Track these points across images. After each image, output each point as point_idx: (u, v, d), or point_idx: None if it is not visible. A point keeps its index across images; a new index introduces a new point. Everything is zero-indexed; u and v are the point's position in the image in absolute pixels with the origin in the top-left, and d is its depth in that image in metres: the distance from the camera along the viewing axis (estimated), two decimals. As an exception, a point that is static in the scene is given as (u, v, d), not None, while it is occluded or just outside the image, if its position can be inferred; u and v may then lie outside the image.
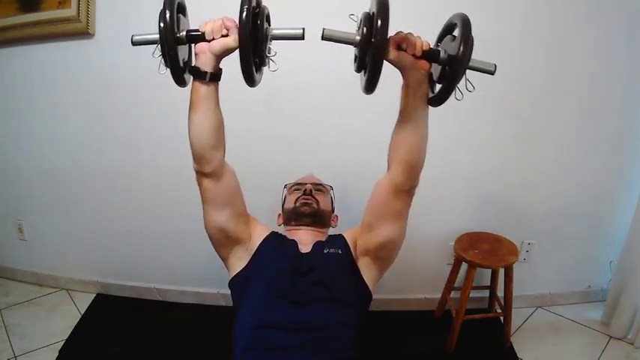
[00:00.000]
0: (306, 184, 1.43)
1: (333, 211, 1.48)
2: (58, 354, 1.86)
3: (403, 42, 0.93)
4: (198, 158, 1.09)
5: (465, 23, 0.89)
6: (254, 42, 0.93)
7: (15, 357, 1.86)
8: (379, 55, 0.88)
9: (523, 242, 2.13)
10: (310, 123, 1.92)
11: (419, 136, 1.05)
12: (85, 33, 1.83)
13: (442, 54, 0.94)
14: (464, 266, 1.90)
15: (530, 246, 2.15)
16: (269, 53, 1.00)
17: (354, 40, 0.94)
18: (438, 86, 0.99)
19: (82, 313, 2.16)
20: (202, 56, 0.99)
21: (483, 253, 1.84)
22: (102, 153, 2.05)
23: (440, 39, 1.02)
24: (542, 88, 1.89)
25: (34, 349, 1.90)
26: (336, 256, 1.25)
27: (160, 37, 0.92)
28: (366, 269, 1.25)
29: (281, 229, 1.44)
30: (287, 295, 1.15)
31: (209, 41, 0.97)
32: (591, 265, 2.24)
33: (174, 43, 0.93)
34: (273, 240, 1.30)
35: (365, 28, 0.91)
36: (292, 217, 1.38)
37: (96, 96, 1.95)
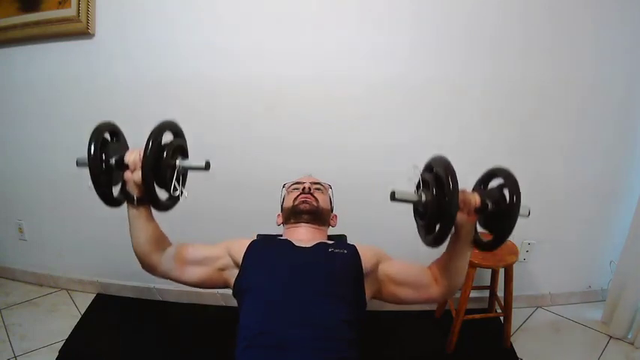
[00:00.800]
0: (304, 182, 1.43)
1: (332, 210, 1.48)
2: (58, 354, 1.86)
3: (462, 203, 1.04)
4: (140, 262, 1.21)
5: (514, 181, 1.03)
6: (156, 177, 1.06)
7: (15, 357, 1.86)
8: (451, 219, 0.99)
9: (523, 242, 2.13)
10: (309, 126, 1.93)
11: (461, 273, 1.21)
12: (85, 33, 1.83)
13: (490, 206, 1.05)
14: (464, 266, 1.90)
15: (530, 246, 2.15)
16: (178, 185, 1.12)
17: (420, 200, 1.06)
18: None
19: (82, 313, 2.16)
20: (129, 184, 1.11)
21: (483, 253, 1.84)
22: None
23: (481, 184, 1.15)
24: (543, 88, 1.89)
25: (34, 349, 1.90)
26: (341, 255, 1.24)
27: (89, 168, 1.05)
28: (368, 287, 1.25)
29: (280, 229, 1.44)
30: (285, 291, 1.14)
31: (132, 171, 1.09)
32: (591, 265, 2.24)
33: (100, 175, 1.06)
34: (260, 242, 1.31)
35: (434, 190, 1.02)
36: (291, 215, 1.38)
37: (96, 96, 1.95)
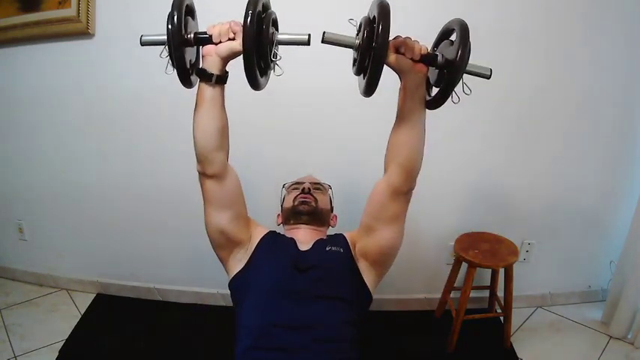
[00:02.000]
0: (304, 182, 1.43)
1: (332, 210, 1.49)
2: (58, 354, 1.86)
3: (402, 46, 0.95)
4: (201, 159, 1.10)
5: (463, 29, 0.91)
6: (258, 47, 0.94)
7: (15, 357, 1.86)
8: (379, 59, 0.89)
9: (523, 242, 2.13)
10: (311, 123, 1.92)
11: (416, 138, 1.07)
12: (85, 33, 1.83)
13: (440, 58, 0.96)
14: (464, 266, 1.90)
15: (530, 246, 2.15)
16: (274, 58, 1.01)
17: (353, 43, 0.96)
18: (435, 90, 1.01)
19: (82, 313, 2.16)
20: (209, 59, 1.00)
21: (483, 253, 1.84)
22: (102, 153, 2.05)
23: (437, 43, 1.04)
24: (542, 88, 1.89)
25: (34, 349, 1.89)
26: (338, 254, 1.25)
27: (167, 39, 0.94)
28: (366, 271, 1.25)
29: (280, 229, 1.44)
30: (287, 293, 1.15)
31: (216, 44, 0.99)
32: (591, 265, 2.24)
33: (181, 45, 0.94)
34: (271, 239, 1.30)
35: (365, 32, 0.92)
36: (291, 215, 1.38)
37: (96, 96, 1.95)
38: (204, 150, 1.08)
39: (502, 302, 1.98)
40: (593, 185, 2.07)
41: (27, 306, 2.20)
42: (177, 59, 0.95)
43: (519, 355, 1.93)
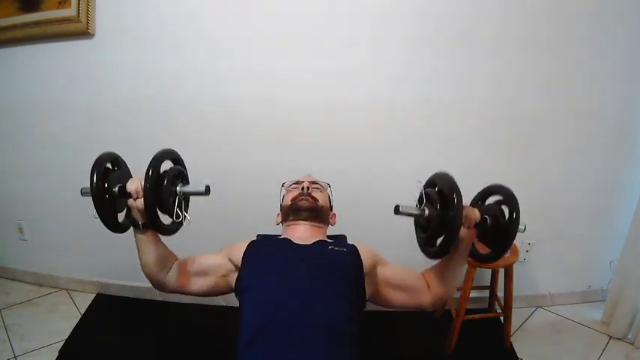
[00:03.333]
0: (303, 182, 1.43)
1: (331, 209, 1.49)
2: (58, 354, 1.86)
3: (465, 218, 1.07)
4: (155, 285, 1.27)
5: (512, 198, 1.08)
6: (160, 203, 1.11)
7: (15, 357, 1.86)
8: (456, 232, 1.04)
9: (523, 242, 2.13)
10: (311, 126, 1.93)
11: (455, 283, 1.26)
12: (85, 33, 1.83)
13: (488, 222, 1.10)
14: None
15: (530, 246, 2.15)
16: (180, 208, 1.15)
17: (423, 214, 1.09)
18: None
19: (82, 313, 2.16)
20: (133, 210, 1.15)
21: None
22: (102, 152, 2.04)
23: (481, 199, 1.19)
24: (542, 89, 1.89)
25: (34, 349, 1.90)
26: (341, 253, 1.25)
27: (92, 197, 1.09)
28: (369, 284, 1.26)
29: (280, 229, 1.44)
30: (285, 288, 1.14)
31: (135, 199, 1.13)
32: (591, 265, 2.24)
33: (102, 204, 1.09)
34: (261, 242, 1.33)
35: (439, 205, 1.06)
36: (290, 212, 1.38)
37: (96, 96, 1.95)
38: (151, 277, 1.24)
39: (502, 302, 1.98)
40: (593, 185, 2.07)
41: (27, 306, 2.20)
42: (101, 216, 1.09)
43: (519, 355, 1.93)
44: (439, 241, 1.09)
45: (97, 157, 1.13)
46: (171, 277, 1.25)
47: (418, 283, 1.27)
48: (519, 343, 2.00)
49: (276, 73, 1.85)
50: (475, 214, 1.11)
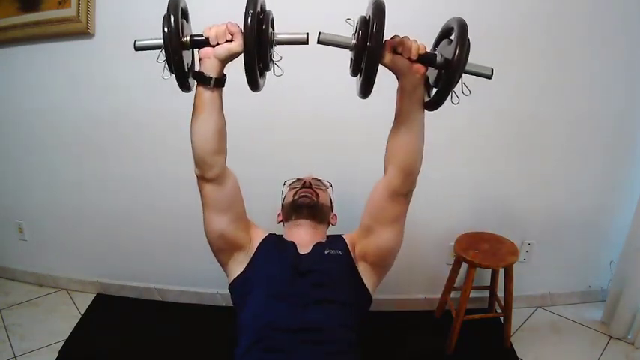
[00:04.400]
0: (305, 179, 1.44)
1: (332, 209, 1.49)
2: (58, 354, 1.86)
3: (399, 46, 0.93)
4: (200, 163, 1.09)
5: (462, 26, 0.89)
6: (258, 47, 0.93)
7: (15, 357, 1.86)
8: (374, 59, 0.88)
9: (523, 242, 2.13)
10: (311, 123, 1.92)
11: (415, 140, 1.06)
12: (85, 33, 1.83)
13: (439, 58, 0.93)
14: (464, 266, 1.90)
15: (530, 246, 2.15)
16: (273, 58, 1.00)
17: (349, 44, 0.95)
18: (435, 90, 0.99)
19: (82, 313, 2.16)
20: (206, 61, 0.98)
21: (483, 253, 1.84)
22: (102, 153, 2.05)
23: (437, 43, 1.01)
24: (542, 88, 1.89)
25: (34, 349, 1.89)
26: (337, 257, 1.25)
27: (164, 42, 0.92)
28: (366, 273, 1.26)
29: (280, 228, 1.44)
30: (287, 296, 1.15)
31: (213, 46, 0.97)
32: (591, 265, 2.24)
33: (178, 48, 0.92)
34: (271, 241, 1.30)
35: (360, 32, 0.90)
36: (292, 210, 1.38)
37: (96, 96, 1.95)
38: (203, 154, 1.07)
39: (502, 302, 1.98)
40: (593, 185, 2.07)
41: (27, 306, 2.20)
42: (174, 64, 0.93)
43: (519, 355, 1.93)
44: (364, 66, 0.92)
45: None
46: (226, 178, 1.13)
47: (374, 199, 1.17)
48: (519, 343, 2.00)
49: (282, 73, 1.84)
50: (417, 45, 0.93)
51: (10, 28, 1.87)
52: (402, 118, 1.03)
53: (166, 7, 0.92)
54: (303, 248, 1.27)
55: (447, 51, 0.94)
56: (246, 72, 0.95)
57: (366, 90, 0.93)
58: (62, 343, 1.92)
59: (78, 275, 2.32)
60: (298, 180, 1.48)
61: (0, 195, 2.25)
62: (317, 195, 1.39)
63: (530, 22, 1.79)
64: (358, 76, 0.98)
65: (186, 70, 0.99)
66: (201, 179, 1.12)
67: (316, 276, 1.18)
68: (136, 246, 2.21)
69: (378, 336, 1.99)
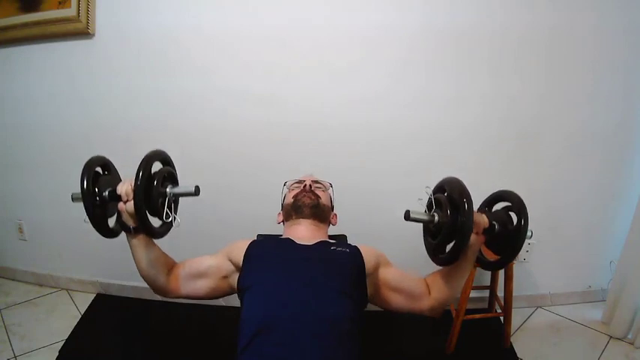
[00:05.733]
0: (305, 180, 1.44)
1: (332, 209, 1.49)
2: (58, 354, 1.86)
3: (474, 224, 1.05)
4: (151, 288, 1.25)
5: (521, 205, 1.08)
6: (149, 206, 1.09)
7: (15, 357, 1.86)
8: (467, 235, 1.03)
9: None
10: (312, 125, 1.93)
11: (458, 290, 1.26)
12: (85, 33, 1.83)
13: (496, 227, 1.10)
14: (464, 266, 1.90)
15: (530, 246, 2.15)
16: (171, 212, 1.14)
17: (433, 220, 1.09)
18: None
19: (82, 313, 2.16)
20: (123, 214, 1.13)
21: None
22: (101, 153, 2.04)
23: (488, 205, 1.19)
24: (542, 89, 1.89)
25: (34, 349, 1.89)
26: (343, 253, 1.25)
27: (83, 202, 1.08)
28: (371, 285, 1.26)
29: (280, 229, 1.44)
30: (287, 287, 1.14)
31: (125, 202, 1.11)
32: (591, 265, 2.24)
33: (93, 209, 1.09)
34: (262, 241, 1.32)
35: (451, 213, 1.05)
36: (292, 210, 1.37)
37: (95, 96, 1.95)
38: (152, 284, 1.23)
39: (502, 302, 1.98)
40: (593, 185, 2.07)
41: (27, 306, 2.20)
42: (92, 221, 1.09)
43: (519, 355, 1.93)
44: (449, 247, 1.09)
45: (86, 161, 1.13)
46: (173, 281, 1.25)
47: (418, 289, 1.28)
48: (519, 343, 2.00)
49: (282, 69, 1.86)
50: (484, 219, 1.10)
51: (10, 28, 1.87)
52: (455, 273, 1.20)
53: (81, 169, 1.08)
54: (304, 241, 1.27)
55: (499, 219, 1.12)
56: (140, 226, 1.11)
57: (451, 262, 1.12)
58: (62, 343, 1.92)
59: (78, 275, 2.32)
60: (299, 181, 1.47)
61: (0, 194, 2.24)
62: (318, 196, 1.39)
63: (529, 24, 1.80)
64: (431, 243, 1.16)
65: (116, 216, 1.17)
66: (165, 296, 1.27)
67: (320, 262, 1.19)
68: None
69: (378, 336, 1.99)
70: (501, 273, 1.95)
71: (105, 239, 2.27)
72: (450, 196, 1.09)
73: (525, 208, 1.07)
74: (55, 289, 2.33)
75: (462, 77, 1.85)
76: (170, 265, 1.26)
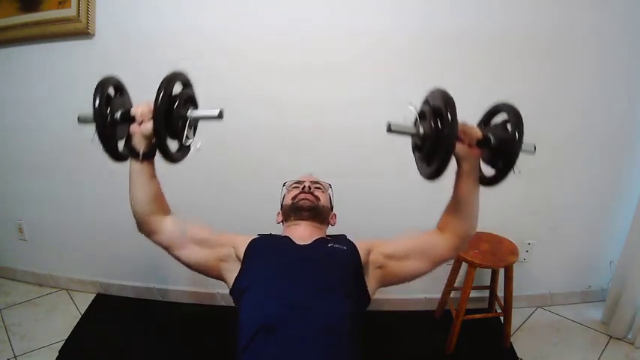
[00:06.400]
0: (304, 181, 1.44)
1: (331, 209, 1.49)
2: (58, 354, 1.86)
3: (461, 133, 1.00)
4: (138, 224, 1.20)
5: (517, 115, 1.00)
6: (168, 126, 1.02)
7: (15, 357, 1.86)
8: (450, 149, 0.96)
9: (523, 242, 2.13)
10: (311, 124, 1.93)
11: (474, 214, 1.16)
12: (85, 33, 1.83)
13: (492, 140, 1.03)
14: (464, 266, 1.90)
15: (530, 246, 2.15)
16: (190, 135, 1.08)
17: (417, 133, 1.03)
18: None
19: (82, 313, 2.16)
20: (135, 137, 1.09)
21: (483, 253, 1.84)
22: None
23: (485, 122, 1.11)
24: (542, 88, 1.89)
25: (34, 349, 1.89)
26: (341, 251, 1.25)
27: (95, 123, 1.02)
28: (371, 278, 1.26)
29: (279, 229, 1.44)
30: (286, 286, 1.14)
31: (140, 124, 1.06)
32: (591, 265, 2.24)
33: (106, 127, 1.03)
34: (261, 241, 1.30)
35: (432, 122, 0.98)
36: (291, 212, 1.38)
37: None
38: (138, 216, 1.18)
39: (502, 302, 1.98)
40: (593, 185, 2.07)
41: (27, 306, 2.20)
42: (102, 142, 1.03)
43: (519, 355, 1.93)
44: (437, 158, 1.01)
45: (99, 80, 1.06)
46: (166, 228, 1.20)
47: (428, 241, 1.23)
48: (519, 343, 2.00)
49: (282, 69, 1.85)
50: (476, 131, 1.03)
51: (10, 28, 1.87)
52: (461, 197, 1.12)
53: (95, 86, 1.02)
54: (302, 241, 1.27)
55: (498, 133, 1.03)
56: (159, 150, 1.05)
57: (437, 174, 1.01)
58: (62, 343, 1.92)
59: (78, 275, 2.32)
60: (298, 182, 1.47)
61: (0, 195, 2.24)
62: (317, 198, 1.39)
63: (532, 18, 1.80)
64: (419, 157, 1.08)
65: (125, 140, 1.10)
66: (149, 237, 1.22)
67: (317, 265, 1.19)
68: (136, 246, 2.19)
69: (378, 336, 1.99)
70: (501, 273, 1.95)
71: (104, 239, 2.28)
72: (433, 106, 1.01)
73: (521, 117, 1.00)
74: (55, 289, 2.33)
75: (463, 77, 1.85)
76: (166, 209, 1.22)
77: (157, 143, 1.03)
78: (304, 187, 1.41)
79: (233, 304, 1.29)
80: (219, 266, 1.26)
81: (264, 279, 1.18)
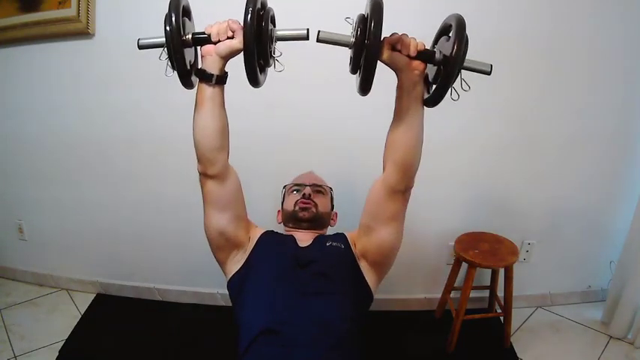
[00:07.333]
0: (305, 186, 1.42)
1: (332, 209, 1.49)
2: (58, 354, 1.86)
3: (397, 43, 0.93)
4: (203, 160, 1.10)
5: (460, 23, 0.89)
6: (258, 44, 0.94)
7: (15, 357, 1.86)
8: (373, 56, 0.88)
9: (523, 242, 2.13)
10: (311, 120, 1.92)
11: (414, 136, 1.05)
12: (85, 33, 1.83)
13: (437, 55, 0.94)
14: (464, 266, 1.90)
15: (530, 246, 2.15)
16: (274, 54, 1.02)
17: (348, 42, 0.95)
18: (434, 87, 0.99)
19: (82, 313, 2.16)
20: (208, 58, 1.00)
21: (483, 253, 1.84)
22: (102, 153, 2.04)
23: (436, 41, 1.02)
24: (542, 88, 1.89)
25: (34, 349, 1.89)
26: (338, 249, 1.25)
27: (166, 40, 0.93)
28: (367, 271, 1.26)
29: (280, 227, 1.44)
30: (287, 290, 1.15)
31: (215, 43, 0.98)
32: (591, 265, 2.24)
33: (180, 46, 0.94)
34: (269, 237, 1.31)
35: (359, 30, 0.91)
36: (291, 219, 1.38)
37: (96, 96, 1.95)
38: (205, 150, 1.08)
39: (502, 302, 1.98)
40: (593, 185, 2.07)
41: (27, 306, 2.20)
42: (177, 62, 0.95)
43: (519, 355, 1.93)
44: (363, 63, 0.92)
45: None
46: (229, 175, 1.14)
47: (373, 200, 1.16)
48: (519, 343, 2.00)
49: (286, 72, 1.84)
50: (414, 40, 0.94)
51: (10, 28, 1.86)
52: (401, 114, 1.02)
53: (168, 5, 0.93)
54: (303, 242, 1.28)
55: (445, 48, 0.93)
56: (246, 68, 0.95)
57: (365, 87, 0.93)
58: (62, 343, 1.92)
59: (78, 275, 2.31)
60: (298, 186, 1.44)
61: (0, 195, 2.24)
62: (316, 205, 1.38)
63: (530, 19, 1.79)
64: (358, 73, 0.98)
65: (189, 67, 1.00)
66: (204, 175, 1.13)
67: (317, 267, 1.19)
68: (136, 246, 2.21)
69: (378, 336, 1.99)
70: (501, 273, 1.95)
71: (104, 239, 2.27)
72: (364, 16, 0.92)
73: (463, 24, 0.89)
74: (55, 289, 2.33)
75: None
76: (228, 151, 1.13)
77: (246, 60, 0.93)
78: (304, 194, 1.39)
79: (231, 304, 1.29)
80: (232, 252, 1.25)
81: (266, 280, 1.18)
